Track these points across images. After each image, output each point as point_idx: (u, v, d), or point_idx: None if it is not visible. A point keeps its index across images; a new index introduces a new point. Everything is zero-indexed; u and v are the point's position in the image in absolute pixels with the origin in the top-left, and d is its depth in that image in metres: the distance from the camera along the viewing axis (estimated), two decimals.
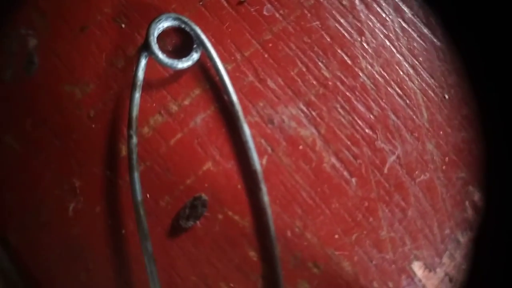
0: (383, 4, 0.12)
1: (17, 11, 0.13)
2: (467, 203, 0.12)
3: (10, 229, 0.13)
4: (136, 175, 0.11)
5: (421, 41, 0.12)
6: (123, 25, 0.13)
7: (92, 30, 0.13)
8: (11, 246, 0.13)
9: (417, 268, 0.12)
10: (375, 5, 0.12)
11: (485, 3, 0.12)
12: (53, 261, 0.13)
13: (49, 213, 0.13)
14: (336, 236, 0.12)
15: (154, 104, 0.12)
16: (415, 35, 0.12)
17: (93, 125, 0.13)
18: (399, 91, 0.12)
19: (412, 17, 0.12)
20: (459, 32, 0.12)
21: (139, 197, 0.11)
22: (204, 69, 0.12)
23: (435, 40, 0.12)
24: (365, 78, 0.12)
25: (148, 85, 0.12)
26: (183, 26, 0.12)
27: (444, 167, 0.12)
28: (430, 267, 0.12)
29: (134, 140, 0.11)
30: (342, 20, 0.12)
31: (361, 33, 0.12)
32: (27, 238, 0.13)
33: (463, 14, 0.12)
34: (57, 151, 0.13)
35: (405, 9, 0.12)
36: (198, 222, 0.12)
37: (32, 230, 0.13)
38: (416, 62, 0.12)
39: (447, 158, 0.12)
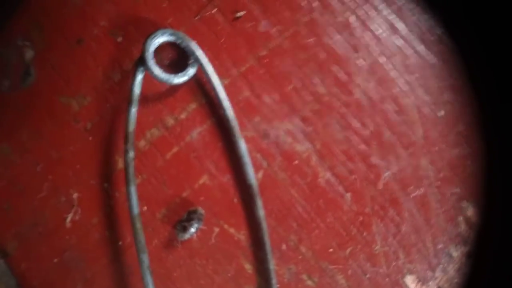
0: (379, 20, 0.12)
1: (14, 23, 0.13)
2: (460, 218, 0.12)
3: (8, 239, 0.13)
4: (133, 188, 0.11)
5: (416, 58, 0.12)
6: (119, 39, 0.13)
7: (88, 43, 0.13)
8: (9, 256, 0.13)
9: (410, 281, 0.12)
10: (370, 22, 0.12)
11: (480, 19, 0.12)
12: (50, 271, 0.13)
13: (46, 224, 0.13)
14: (331, 250, 0.12)
15: (151, 118, 0.12)
16: (410, 52, 0.12)
17: (90, 138, 0.13)
18: (394, 107, 0.12)
19: (408, 34, 0.12)
20: (455, 48, 0.12)
21: (135, 210, 0.11)
22: (200, 83, 0.12)
23: (430, 57, 0.12)
24: (361, 94, 0.12)
25: (144, 99, 0.12)
26: (179, 41, 0.12)
27: (438, 182, 0.12)
28: (423, 281, 0.12)
29: (131, 154, 0.11)
30: (337, 37, 0.12)
31: (356, 50, 0.12)
32: (25, 248, 0.13)
33: (458, 31, 0.12)
34: (54, 163, 0.13)
35: (401, 26, 0.12)
36: (194, 235, 0.12)
37: (29, 241, 0.13)
38: (412, 79, 0.12)
39: (441, 174, 0.12)
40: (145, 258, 0.11)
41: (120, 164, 0.12)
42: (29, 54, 0.13)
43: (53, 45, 0.13)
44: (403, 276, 0.12)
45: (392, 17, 0.12)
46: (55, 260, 0.13)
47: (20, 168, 0.13)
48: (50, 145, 0.13)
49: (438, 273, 0.12)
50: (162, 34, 0.12)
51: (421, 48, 0.12)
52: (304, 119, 0.12)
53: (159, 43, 0.12)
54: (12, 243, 0.13)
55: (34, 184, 0.13)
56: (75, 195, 0.13)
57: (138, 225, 0.11)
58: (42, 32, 0.13)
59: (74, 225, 0.13)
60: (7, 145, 0.13)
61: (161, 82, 0.12)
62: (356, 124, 0.12)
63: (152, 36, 0.11)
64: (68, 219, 0.13)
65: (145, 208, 0.12)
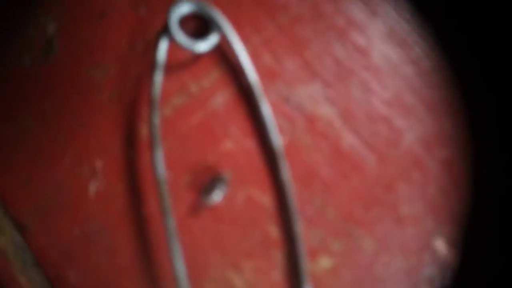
0: None
1: None
2: None
3: (26, 214, 0.13)
4: (159, 152, 0.11)
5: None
6: (141, 11, 0.13)
7: (111, 16, 0.13)
8: (27, 231, 0.13)
9: (440, 244, 0.12)
10: None
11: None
12: (72, 244, 0.13)
13: (68, 195, 0.13)
14: (356, 212, 0.12)
15: (175, 86, 0.12)
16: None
17: (114, 107, 0.13)
18: (415, 69, 0.12)
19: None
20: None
21: (161, 175, 0.11)
22: (223, 52, 0.13)
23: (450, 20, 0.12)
24: (380, 58, 0.12)
25: (168, 68, 0.13)
26: (201, 10, 0.12)
27: (463, 143, 0.12)
28: (453, 243, 0.12)
29: (156, 119, 0.11)
30: (354, 5, 0.12)
31: (375, 14, 0.12)
32: (44, 222, 0.13)
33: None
34: (77, 133, 0.13)
35: None
36: (219, 200, 0.12)
37: (49, 214, 0.13)
38: (433, 42, 0.12)
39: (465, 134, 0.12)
40: (171, 224, 0.11)
41: (144, 132, 0.12)
42: (51, 28, 0.14)
43: (76, 19, 0.13)
44: (433, 239, 0.12)
45: None
46: (77, 232, 0.13)
47: (41, 140, 0.13)
48: (73, 116, 0.13)
49: None
50: (186, 3, 0.12)
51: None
52: (325, 84, 0.12)
53: (183, 11, 0.12)
54: (30, 217, 0.13)
55: (56, 156, 0.13)
56: (98, 164, 0.13)
57: (164, 190, 0.11)
58: (64, 6, 0.13)
59: (98, 194, 0.12)
60: (29, 118, 0.13)
61: (185, 49, 0.12)
62: (376, 86, 0.12)
63: (176, 4, 0.12)
64: (91, 189, 0.13)
65: (170, 174, 0.12)
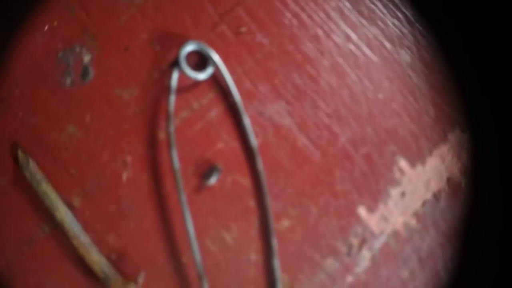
0: (338, 32, 0.17)
1: (69, 32, 0.17)
2: (395, 167, 0.17)
3: (73, 195, 0.18)
4: (174, 150, 0.16)
5: (364, 58, 0.17)
6: (157, 48, 0.17)
7: (133, 50, 0.17)
8: (74, 208, 0.18)
9: (362, 210, 0.17)
10: (332, 33, 0.17)
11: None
12: (110, 216, 0.17)
13: (106, 181, 0.17)
14: (307, 190, 0.17)
15: (182, 103, 0.17)
16: (359, 54, 0.17)
17: (139, 118, 0.17)
18: (348, 92, 0.17)
19: (358, 41, 0.17)
20: (393, 50, 0.17)
21: (176, 165, 0.16)
22: (216, 79, 0.17)
23: (374, 57, 0.17)
24: (325, 84, 0.17)
25: (177, 90, 0.17)
26: (202, 49, 0.16)
27: (379, 143, 0.17)
28: (370, 210, 0.17)
29: (171, 126, 0.16)
30: (309, 45, 0.17)
31: (322, 53, 0.17)
32: (88, 201, 0.18)
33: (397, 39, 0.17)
34: (112, 137, 0.17)
35: (353, 35, 0.17)
36: (214, 183, 0.17)
37: (92, 195, 0.18)
38: (360, 73, 0.17)
39: (381, 137, 0.17)
40: (184, 198, 0.16)
41: (161, 136, 0.17)
42: (86, 58, 0.18)
43: (105, 51, 0.17)
44: (357, 207, 0.17)
45: (347, 30, 0.17)
46: (114, 208, 0.17)
47: (84, 142, 0.17)
48: (108, 125, 0.17)
49: (380, 206, 0.17)
50: (190, 44, 0.16)
51: (367, 50, 0.17)
52: (287, 102, 0.17)
53: (188, 50, 0.16)
54: (77, 198, 0.17)
55: (96, 154, 0.18)
56: (128, 159, 0.17)
57: (178, 175, 0.16)
58: (96, 42, 0.17)
59: (128, 180, 0.17)
60: (73, 126, 0.18)
61: (190, 78, 0.16)
62: (322, 104, 0.17)
63: (184, 45, 0.16)
64: (124, 177, 0.17)
65: (180, 166, 0.17)
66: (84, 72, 0.18)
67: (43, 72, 0.17)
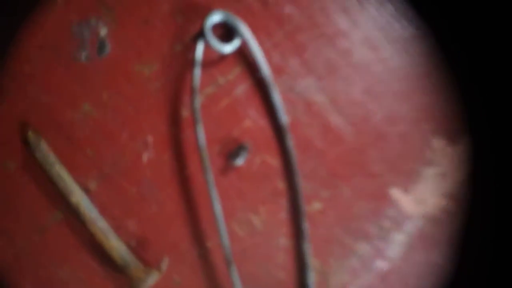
0: (372, 0, 0.16)
1: (85, 4, 0.16)
2: (430, 147, 0.17)
3: (90, 178, 0.17)
4: (200, 127, 0.15)
5: (399, 30, 0.17)
6: (179, 19, 0.16)
7: (154, 22, 0.16)
8: (91, 191, 0.16)
9: (395, 192, 0.16)
10: (366, 5, 0.16)
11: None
12: (130, 199, 0.17)
13: (125, 163, 0.17)
14: (339, 170, 0.16)
15: (207, 79, 0.16)
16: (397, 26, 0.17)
17: (160, 95, 0.16)
18: (383, 66, 0.17)
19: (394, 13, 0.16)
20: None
21: (202, 142, 0.15)
22: (244, 52, 0.16)
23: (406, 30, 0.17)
24: (356, 58, 0.16)
25: (202, 65, 0.16)
26: (228, 19, 0.15)
27: (415, 122, 0.17)
28: (404, 192, 0.16)
29: (197, 102, 0.15)
30: (340, 17, 0.16)
31: (355, 24, 0.16)
32: (105, 184, 0.17)
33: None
34: (131, 115, 0.16)
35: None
36: (242, 163, 0.16)
37: (110, 178, 0.17)
38: (401, 48, 0.17)
39: (416, 114, 0.16)
40: (211, 178, 0.15)
41: (185, 114, 0.16)
42: (102, 31, 0.17)
43: (124, 25, 0.16)
44: (390, 188, 0.16)
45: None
46: (133, 191, 0.16)
47: (101, 121, 0.16)
48: (127, 102, 0.16)
49: (414, 187, 0.17)
50: (216, 14, 0.15)
51: (404, 23, 0.16)
52: (318, 77, 0.16)
53: (214, 20, 0.15)
54: (93, 181, 0.16)
55: (115, 133, 0.16)
56: (149, 139, 0.16)
57: (205, 153, 0.15)
58: (113, 13, 0.16)
59: (149, 162, 0.16)
60: (89, 104, 0.16)
61: (215, 51, 0.15)
62: (356, 79, 0.16)
63: (210, 14, 0.15)
64: (144, 157, 0.16)
65: (206, 145, 0.16)
66: (101, 46, 0.17)
67: (56, 47, 0.16)
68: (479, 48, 0.16)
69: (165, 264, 0.16)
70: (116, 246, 0.16)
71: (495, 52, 0.15)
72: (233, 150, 0.16)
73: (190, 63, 0.16)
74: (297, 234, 0.17)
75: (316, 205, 0.17)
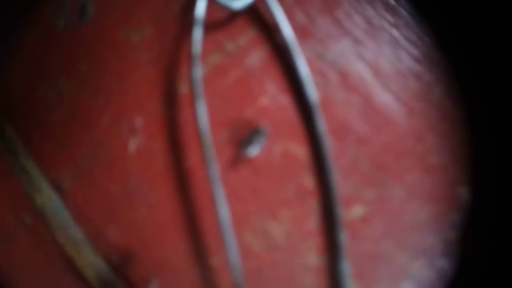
0: None
1: None
2: None
3: (63, 173, 0.13)
4: (201, 105, 0.12)
5: None
6: None
7: None
8: (64, 190, 0.13)
9: (464, 192, 0.12)
10: None
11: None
12: (112, 201, 0.13)
13: (107, 153, 0.13)
14: (388, 163, 0.12)
15: (211, 45, 0.13)
16: None
17: (152, 66, 0.13)
18: None
19: None
20: None
21: (204, 125, 0.12)
22: (258, 10, 0.13)
23: None
24: (408, 15, 0.13)
25: (205, 26, 0.13)
26: None
27: None
28: (473, 190, 0.12)
29: (198, 73, 0.12)
30: None
31: None
32: (82, 181, 0.13)
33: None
34: (116, 92, 0.13)
35: None
36: (257, 153, 0.12)
37: (88, 172, 0.13)
38: None
39: None
40: (215, 172, 0.11)
41: (184, 89, 0.13)
42: None
43: None
44: (457, 187, 0.12)
45: None
46: (117, 189, 0.13)
47: (79, 100, 0.13)
48: (111, 75, 0.13)
49: None
50: None
51: None
52: (356, 40, 0.13)
53: None
54: (68, 176, 0.13)
55: (94, 115, 0.13)
56: (138, 121, 0.13)
57: (207, 140, 0.12)
58: None
59: (138, 151, 0.13)
60: (65, 80, 0.13)
61: (222, 6, 0.12)
62: (405, 43, 0.13)
63: None
64: (131, 146, 0.13)
65: (210, 130, 0.12)
66: (82, 10, 0.14)
67: (26, 12, 0.14)
68: None
69: (155, 286, 0.13)
70: (92, 261, 0.13)
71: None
72: (245, 136, 0.13)
73: (189, 25, 0.13)
74: (331, 249, 0.13)
75: (357, 210, 0.13)
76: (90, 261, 0.12)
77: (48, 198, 0.13)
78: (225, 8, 0.12)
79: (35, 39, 0.14)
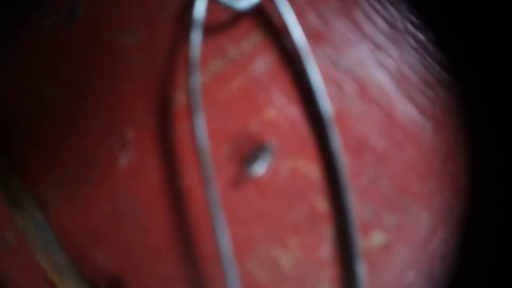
0: None
1: None
2: None
3: (48, 189, 0.12)
4: (199, 117, 0.10)
5: None
6: None
7: None
8: (49, 208, 0.12)
9: None
10: None
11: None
12: (100, 221, 0.12)
13: (96, 168, 0.12)
14: (412, 184, 0.11)
15: (212, 49, 0.12)
16: None
17: (146, 73, 0.12)
18: None
19: None
20: None
21: (202, 140, 0.10)
22: (265, 11, 0.12)
23: None
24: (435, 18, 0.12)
25: (205, 30, 0.12)
26: None
27: None
28: None
29: (196, 81, 0.11)
30: None
31: None
32: (68, 199, 0.12)
33: None
34: (106, 101, 0.12)
35: None
36: (263, 172, 0.11)
37: (75, 189, 0.12)
38: None
39: None
40: (214, 194, 0.10)
41: (180, 99, 0.12)
42: None
43: None
44: (491, 211, 0.11)
45: None
46: (106, 209, 0.12)
47: (66, 109, 0.12)
48: (101, 83, 0.12)
49: None
50: None
51: None
52: (376, 45, 0.11)
53: None
54: (52, 193, 0.12)
55: (82, 126, 0.12)
56: (129, 134, 0.12)
57: (205, 158, 0.10)
58: None
59: (129, 167, 0.12)
60: (50, 86, 0.12)
61: (224, 6, 0.11)
62: (433, 49, 0.11)
63: None
64: (122, 161, 0.12)
65: (209, 145, 0.11)
66: (70, 10, 0.13)
67: (11, 12, 0.13)
68: None
69: None
70: None
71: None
72: (249, 152, 0.11)
73: (187, 28, 0.12)
74: (347, 282, 0.11)
75: (377, 238, 0.11)
76: None
77: (30, 217, 0.12)
78: (227, 8, 0.11)
79: (21, 41, 0.13)
